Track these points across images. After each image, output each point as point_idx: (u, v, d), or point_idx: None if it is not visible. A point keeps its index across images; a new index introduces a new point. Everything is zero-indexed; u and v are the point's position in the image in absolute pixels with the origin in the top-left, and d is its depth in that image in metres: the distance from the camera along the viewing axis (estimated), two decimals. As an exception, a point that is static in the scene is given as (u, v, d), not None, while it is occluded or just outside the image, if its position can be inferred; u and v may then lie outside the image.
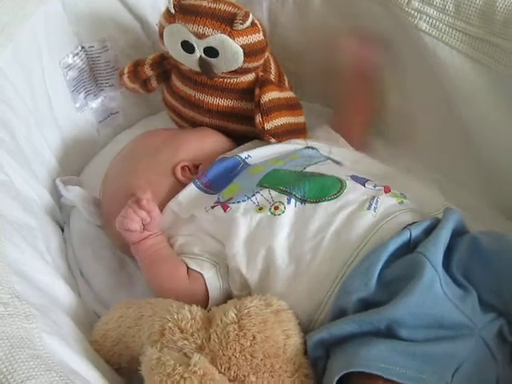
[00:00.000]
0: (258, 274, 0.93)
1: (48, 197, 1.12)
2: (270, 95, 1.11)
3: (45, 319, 0.78)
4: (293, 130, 1.15)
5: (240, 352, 0.80)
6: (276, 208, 0.95)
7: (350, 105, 1.24)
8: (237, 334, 0.81)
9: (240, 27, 1.04)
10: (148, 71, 1.19)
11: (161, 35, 1.10)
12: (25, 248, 0.88)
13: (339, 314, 0.86)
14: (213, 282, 0.97)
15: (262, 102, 1.10)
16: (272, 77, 1.16)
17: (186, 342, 0.82)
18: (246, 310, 0.82)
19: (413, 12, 1.05)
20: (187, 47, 1.07)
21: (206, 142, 1.15)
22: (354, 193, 0.96)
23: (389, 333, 0.81)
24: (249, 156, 1.09)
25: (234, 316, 0.82)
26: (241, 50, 1.05)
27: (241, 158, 1.09)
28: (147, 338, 0.85)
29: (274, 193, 0.97)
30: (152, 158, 1.10)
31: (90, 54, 1.23)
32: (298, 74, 1.30)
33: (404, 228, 0.90)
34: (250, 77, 1.13)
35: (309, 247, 0.92)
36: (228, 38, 1.04)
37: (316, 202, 0.95)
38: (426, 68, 1.09)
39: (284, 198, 0.96)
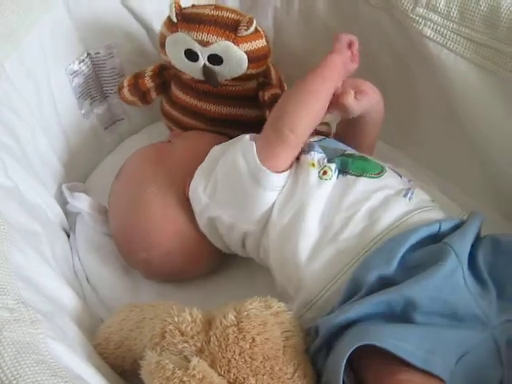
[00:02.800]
0: (283, 226, 0.94)
1: (54, 203, 1.13)
2: (272, 91, 1.12)
3: (50, 325, 0.78)
4: None
5: (239, 354, 0.80)
6: (325, 173, 0.96)
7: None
8: (236, 337, 0.80)
9: (244, 33, 1.04)
10: (148, 83, 1.19)
11: (162, 45, 1.11)
12: (30, 254, 0.88)
13: (355, 287, 0.86)
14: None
15: (266, 98, 1.11)
16: (273, 82, 1.16)
17: (186, 344, 0.82)
18: (246, 313, 0.82)
19: (417, 18, 1.05)
20: (191, 55, 1.07)
21: (200, 149, 1.09)
22: (392, 179, 0.97)
23: (404, 316, 0.80)
24: None
25: (234, 318, 0.82)
26: (245, 57, 1.06)
27: None
28: (149, 340, 0.85)
29: (326, 159, 0.98)
30: (156, 186, 1.07)
31: (96, 61, 1.23)
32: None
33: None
34: (252, 83, 1.14)
35: (339, 218, 0.92)
36: (232, 44, 1.04)
37: (357, 176, 0.96)
38: (431, 74, 1.09)
39: (333, 165, 0.96)
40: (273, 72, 1.17)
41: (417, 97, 1.18)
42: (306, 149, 0.98)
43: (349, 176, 0.96)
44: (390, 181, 0.97)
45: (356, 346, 0.76)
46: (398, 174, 1.00)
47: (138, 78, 1.20)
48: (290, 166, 0.97)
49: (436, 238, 0.88)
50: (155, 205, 1.05)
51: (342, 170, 0.96)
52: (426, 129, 1.21)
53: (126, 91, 1.20)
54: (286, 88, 1.21)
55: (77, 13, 1.16)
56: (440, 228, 0.88)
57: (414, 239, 0.86)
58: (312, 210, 0.93)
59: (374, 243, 0.89)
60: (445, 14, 1.02)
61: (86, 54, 1.22)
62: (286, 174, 0.96)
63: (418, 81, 1.15)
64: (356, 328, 0.80)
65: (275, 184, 0.96)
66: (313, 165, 0.96)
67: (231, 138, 1.12)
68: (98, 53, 1.23)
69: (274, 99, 1.09)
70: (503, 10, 0.96)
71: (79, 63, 1.21)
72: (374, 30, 1.17)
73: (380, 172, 0.98)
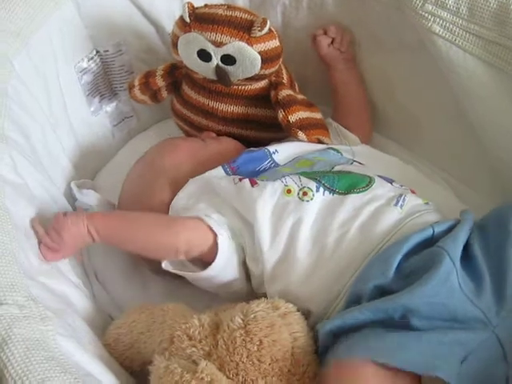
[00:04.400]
0: (278, 256, 0.93)
1: (63, 200, 1.13)
2: (286, 92, 1.11)
3: (60, 322, 0.79)
4: (317, 123, 1.16)
5: (247, 357, 0.80)
6: (305, 194, 0.95)
7: (344, 97, 1.25)
8: (243, 340, 0.81)
9: (258, 34, 1.04)
10: (159, 82, 1.19)
11: (174, 45, 1.10)
12: (39, 253, 0.89)
13: (354, 300, 0.86)
14: (224, 245, 0.95)
15: (279, 97, 1.10)
16: (284, 81, 1.16)
17: (194, 349, 0.83)
18: (253, 315, 0.82)
19: (426, 15, 1.05)
20: (204, 56, 1.07)
21: (228, 155, 1.12)
22: (382, 188, 0.97)
23: (402, 322, 0.80)
24: (276, 151, 1.09)
25: (241, 321, 0.82)
26: (259, 57, 1.06)
27: (269, 151, 1.09)
28: (158, 344, 0.85)
29: (303, 178, 0.97)
30: (176, 174, 1.09)
31: (105, 59, 1.24)
32: (310, 78, 1.30)
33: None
34: (264, 83, 1.14)
35: (332, 239, 0.92)
36: (246, 45, 1.04)
37: (344, 194, 0.95)
38: (439, 71, 1.09)
39: (313, 185, 0.96)
40: (284, 71, 1.17)
41: (425, 94, 1.18)
42: (272, 176, 0.99)
43: (336, 195, 0.95)
44: (380, 191, 0.96)
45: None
46: (388, 180, 1.00)
47: (149, 76, 1.19)
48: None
49: (431, 242, 0.88)
50: (164, 196, 1.06)
51: (330, 188, 0.96)
52: (433, 125, 1.20)
53: (136, 90, 1.20)
54: (296, 87, 1.21)
55: (86, 10, 1.16)
56: (434, 231, 0.89)
57: (407, 247, 0.87)
58: (301, 233, 0.93)
59: (372, 257, 0.89)
60: (454, 10, 1.02)
61: (94, 52, 1.22)
62: (220, 259, 0.95)
63: (427, 78, 1.15)
64: (358, 335, 0.80)
65: (218, 273, 0.96)
66: (288, 191, 0.96)
67: (251, 144, 1.15)
68: (107, 50, 1.23)
69: (286, 99, 1.10)
70: (513, 7, 0.96)
71: (88, 61, 1.21)
72: (382, 27, 1.17)
73: (368, 183, 0.97)
